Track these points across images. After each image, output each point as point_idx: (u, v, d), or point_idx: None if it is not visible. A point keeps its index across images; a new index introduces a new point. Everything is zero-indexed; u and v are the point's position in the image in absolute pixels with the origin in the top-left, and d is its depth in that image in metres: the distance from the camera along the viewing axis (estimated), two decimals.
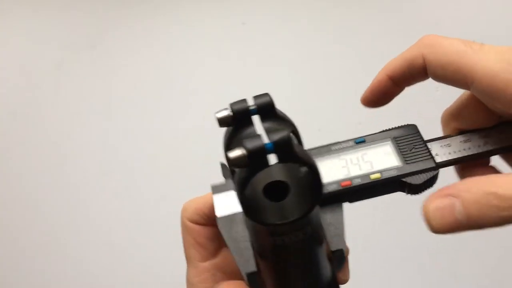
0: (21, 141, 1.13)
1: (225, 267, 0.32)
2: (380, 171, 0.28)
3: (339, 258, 0.26)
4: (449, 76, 0.26)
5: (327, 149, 0.29)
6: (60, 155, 1.11)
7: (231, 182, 0.29)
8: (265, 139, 0.21)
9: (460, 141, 0.30)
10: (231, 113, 0.23)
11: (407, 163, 0.28)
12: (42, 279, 1.02)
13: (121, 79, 1.17)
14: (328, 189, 0.28)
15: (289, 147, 0.20)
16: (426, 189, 0.28)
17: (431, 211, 0.24)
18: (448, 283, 0.93)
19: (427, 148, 0.29)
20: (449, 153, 0.29)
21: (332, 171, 0.28)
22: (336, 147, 0.29)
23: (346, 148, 0.29)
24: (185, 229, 0.32)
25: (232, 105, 0.24)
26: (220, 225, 0.28)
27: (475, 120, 0.29)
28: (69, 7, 1.23)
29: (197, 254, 0.31)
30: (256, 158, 0.20)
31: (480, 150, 0.29)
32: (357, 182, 0.28)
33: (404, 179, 0.28)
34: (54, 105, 1.16)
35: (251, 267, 0.26)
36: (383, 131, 0.30)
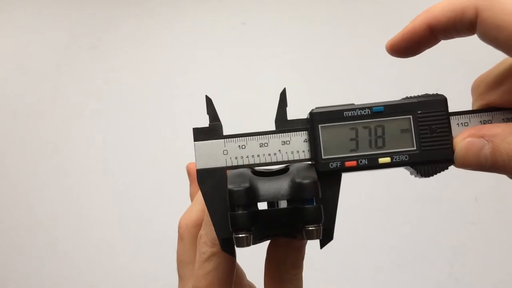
0: (21, 141, 1.13)
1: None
2: (390, 154, 0.26)
3: (327, 236, 0.26)
4: (502, 41, 0.22)
5: (339, 114, 0.26)
6: (59, 154, 1.11)
7: (217, 126, 0.27)
8: None
9: (503, 119, 0.25)
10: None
11: (423, 149, 0.25)
12: (42, 279, 1.02)
13: (121, 79, 1.17)
14: (330, 166, 0.26)
15: None
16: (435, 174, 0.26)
17: (459, 144, 0.24)
18: (448, 285, 0.93)
19: (450, 133, 0.25)
20: None
21: (339, 141, 0.26)
22: (350, 113, 0.26)
23: (361, 116, 0.26)
24: (193, 246, 0.30)
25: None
26: (200, 179, 0.26)
27: None
28: (69, 7, 1.23)
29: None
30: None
31: None
32: (363, 163, 0.26)
33: (414, 167, 0.26)
34: (54, 105, 1.16)
35: (227, 232, 0.25)
36: (407, 99, 0.26)
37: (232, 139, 0.27)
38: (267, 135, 0.27)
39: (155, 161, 1.07)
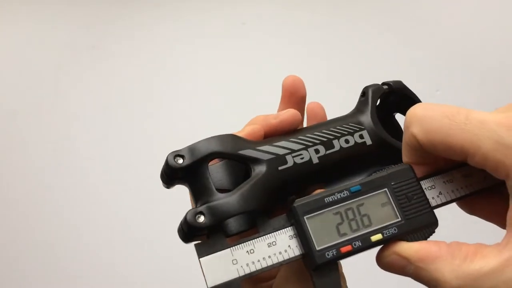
0: (21, 141, 1.13)
1: None
2: (380, 230, 0.26)
3: None
4: (443, 153, 0.24)
5: (321, 202, 0.26)
6: (60, 154, 1.11)
7: (217, 239, 0.26)
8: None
9: (462, 175, 0.27)
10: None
11: (407, 218, 0.26)
12: (42, 278, 1.02)
13: (121, 79, 1.17)
14: (327, 256, 0.25)
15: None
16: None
17: (384, 260, 0.27)
18: None
19: (425, 197, 0.26)
20: (452, 191, 0.27)
21: (328, 228, 0.26)
22: (330, 199, 0.26)
23: (341, 199, 0.26)
24: None
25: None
26: None
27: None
28: (69, 8, 1.23)
29: None
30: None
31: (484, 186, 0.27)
32: (358, 246, 0.26)
33: (405, 238, 0.26)
34: (54, 105, 1.16)
35: None
36: (378, 172, 0.27)
37: (238, 245, 0.26)
38: (274, 233, 0.26)
39: (155, 160, 1.07)
